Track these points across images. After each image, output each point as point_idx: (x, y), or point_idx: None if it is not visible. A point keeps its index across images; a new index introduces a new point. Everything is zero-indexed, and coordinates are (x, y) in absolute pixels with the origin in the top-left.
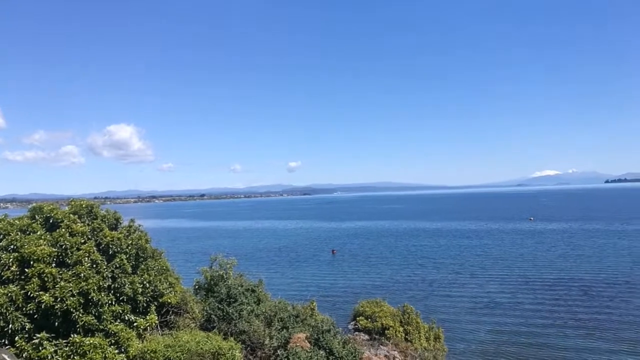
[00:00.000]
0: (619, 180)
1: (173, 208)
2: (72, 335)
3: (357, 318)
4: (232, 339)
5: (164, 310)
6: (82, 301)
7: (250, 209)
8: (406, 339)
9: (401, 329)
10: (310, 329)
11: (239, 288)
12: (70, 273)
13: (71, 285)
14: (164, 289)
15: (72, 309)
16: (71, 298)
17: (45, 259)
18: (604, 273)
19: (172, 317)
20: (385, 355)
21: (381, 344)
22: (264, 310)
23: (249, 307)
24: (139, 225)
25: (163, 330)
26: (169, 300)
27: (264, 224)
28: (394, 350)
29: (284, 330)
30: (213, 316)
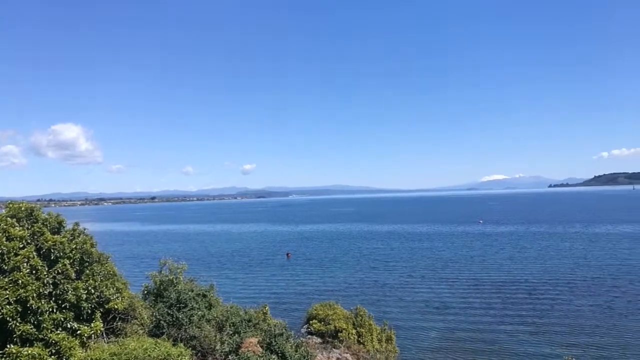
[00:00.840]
0: (561, 185)
1: (122, 211)
2: (8, 346)
3: (311, 321)
4: (181, 345)
5: (111, 316)
6: (19, 309)
7: (202, 212)
8: (359, 341)
9: (354, 331)
10: (263, 334)
11: (190, 293)
12: (6, 280)
13: (8, 292)
14: (110, 295)
15: (8, 318)
16: (7, 306)
17: None
18: (548, 274)
19: (119, 323)
20: (338, 358)
21: (334, 347)
22: (215, 315)
23: (199, 312)
24: (84, 229)
25: (109, 338)
26: (116, 306)
27: (216, 227)
28: (347, 353)
29: (236, 335)
30: (162, 322)
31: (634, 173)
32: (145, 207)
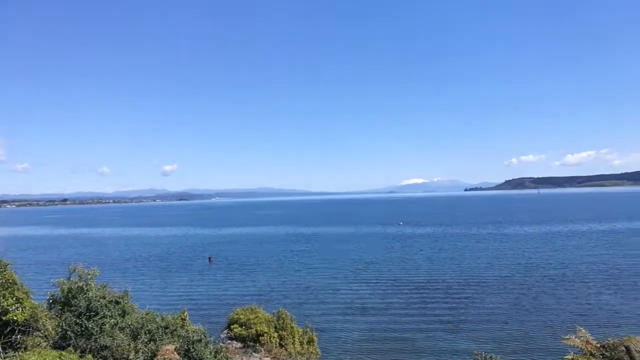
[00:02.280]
0: (476, 189)
1: (29, 214)
2: None
3: (232, 326)
4: (90, 356)
5: (9, 329)
6: None
7: (118, 215)
8: (280, 345)
9: (276, 334)
10: (181, 340)
11: (101, 300)
12: None
13: None
14: (8, 306)
15: None
16: None
17: None
18: (464, 274)
19: (18, 336)
20: None
21: (254, 351)
22: (129, 323)
23: (112, 320)
24: None
25: (6, 353)
26: (15, 318)
27: (133, 231)
28: (267, 357)
29: (152, 343)
30: (69, 332)
31: (538, 178)
32: (56, 210)
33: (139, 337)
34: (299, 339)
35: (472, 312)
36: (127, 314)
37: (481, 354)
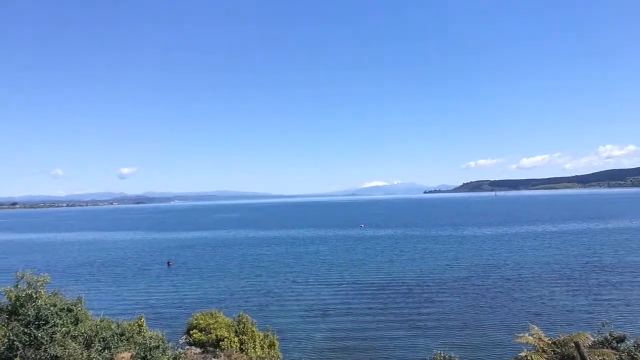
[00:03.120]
0: (435, 191)
1: None
2: None
3: (191, 331)
4: None
5: None
6: None
7: (72, 219)
8: (241, 349)
9: (236, 339)
10: (137, 347)
11: (52, 308)
12: None
13: None
14: None
15: None
16: None
17: None
18: (424, 275)
19: None
20: None
21: (214, 357)
22: (83, 331)
23: (64, 328)
24: None
25: None
26: None
27: (87, 235)
28: None
29: (106, 351)
30: (17, 342)
31: (495, 181)
32: (3, 215)
33: (92, 345)
34: (259, 343)
35: (432, 312)
36: (80, 322)
37: (440, 353)
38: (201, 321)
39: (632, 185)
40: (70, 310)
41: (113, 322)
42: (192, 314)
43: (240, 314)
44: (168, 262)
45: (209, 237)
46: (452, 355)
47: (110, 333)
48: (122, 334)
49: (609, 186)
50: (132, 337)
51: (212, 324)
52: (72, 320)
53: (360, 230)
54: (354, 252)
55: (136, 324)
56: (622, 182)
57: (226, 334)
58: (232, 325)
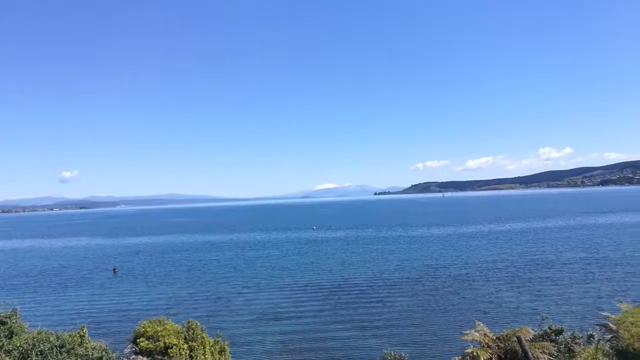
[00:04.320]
0: (385, 193)
1: None
2: None
3: (138, 340)
4: None
5: None
6: None
7: (7, 226)
8: (191, 356)
9: (185, 346)
10: (78, 359)
11: None
12: None
13: None
14: None
15: None
16: None
17: None
18: (376, 277)
19: None
20: None
21: None
22: (18, 345)
23: None
24: None
25: None
26: None
27: (23, 243)
28: None
29: None
30: None
31: (442, 182)
32: None
33: (29, 359)
34: (210, 349)
35: (383, 312)
36: (15, 335)
37: (390, 352)
38: (149, 329)
39: (568, 185)
40: (3, 323)
41: (52, 334)
42: (139, 322)
43: (190, 320)
44: (114, 269)
45: (157, 242)
46: (402, 354)
47: (48, 346)
48: (62, 346)
49: (548, 186)
50: (73, 348)
51: (161, 331)
52: (6, 333)
53: (312, 232)
54: (306, 254)
55: (78, 335)
56: (560, 183)
57: (175, 341)
58: (182, 332)
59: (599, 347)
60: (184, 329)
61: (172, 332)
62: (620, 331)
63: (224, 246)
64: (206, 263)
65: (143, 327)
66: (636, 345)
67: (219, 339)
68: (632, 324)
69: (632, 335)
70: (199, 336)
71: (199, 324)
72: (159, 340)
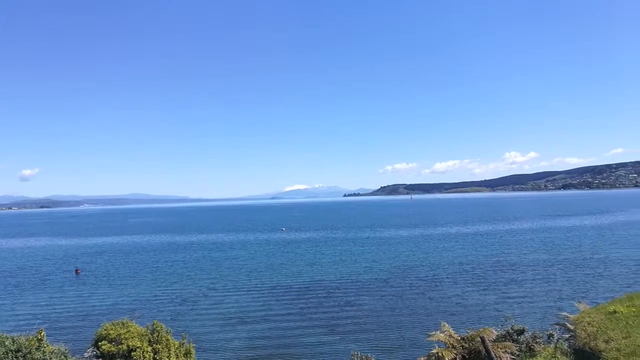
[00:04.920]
0: (354, 194)
1: None
2: None
3: (99, 343)
4: None
5: None
6: None
7: None
8: (155, 359)
9: (149, 348)
10: None
11: None
12: None
13: None
14: None
15: None
16: None
17: None
18: (344, 278)
19: None
20: None
21: None
22: None
23: None
24: None
25: None
26: None
27: None
28: None
29: None
30: None
31: (410, 184)
32: None
33: None
34: (175, 351)
35: (351, 315)
36: None
37: (357, 354)
38: (111, 331)
39: (532, 189)
40: None
41: (7, 338)
42: (101, 325)
43: (155, 322)
44: (76, 270)
45: (122, 242)
46: (369, 355)
47: (3, 350)
48: (18, 350)
49: (513, 190)
50: (29, 353)
51: (124, 333)
52: None
53: (281, 234)
54: (274, 256)
55: (35, 339)
56: (524, 186)
57: (139, 344)
58: (146, 335)
59: (557, 346)
60: (148, 331)
61: (135, 334)
62: (578, 330)
63: (191, 247)
64: (172, 264)
65: (105, 330)
66: (592, 344)
67: (184, 341)
68: (588, 324)
69: (588, 335)
70: (163, 338)
71: (164, 326)
72: (122, 343)
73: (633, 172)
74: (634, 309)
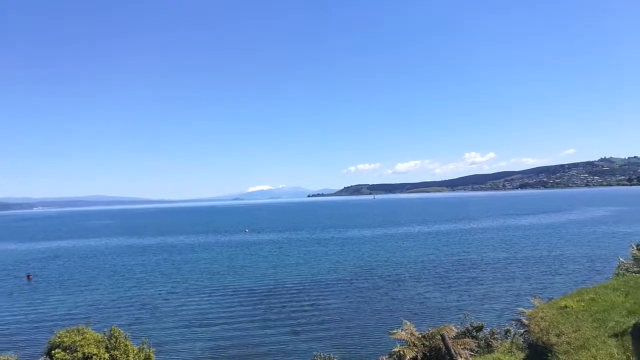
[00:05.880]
0: (318, 195)
1: None
2: None
3: (53, 351)
4: None
5: None
6: None
7: None
8: None
9: (107, 355)
10: None
11: None
12: None
13: None
14: None
15: None
16: None
17: None
18: (308, 279)
19: None
20: None
21: None
22: None
23: None
24: None
25: None
26: None
27: None
28: None
29: None
30: None
31: (373, 185)
32: None
33: None
34: (134, 357)
35: (314, 315)
36: None
37: (320, 354)
38: (65, 339)
39: (491, 188)
40: None
41: None
42: (55, 332)
43: (113, 327)
44: (28, 276)
45: (78, 246)
46: (332, 355)
47: None
48: None
49: (473, 189)
50: None
51: (79, 340)
52: None
53: (244, 235)
54: (237, 258)
55: None
56: (483, 186)
57: (95, 351)
58: (103, 341)
59: (514, 341)
60: (105, 337)
61: (92, 341)
62: (532, 326)
63: (151, 250)
64: (131, 268)
65: (59, 337)
66: (544, 338)
67: (144, 346)
68: (541, 319)
69: (541, 329)
70: (122, 344)
71: (122, 331)
72: (77, 351)
73: (584, 172)
74: (583, 304)
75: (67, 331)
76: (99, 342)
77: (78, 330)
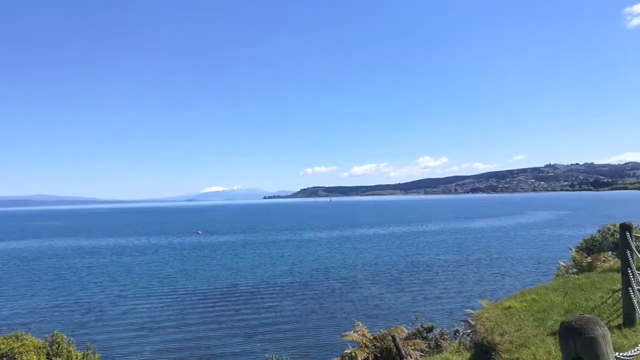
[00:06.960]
0: (274, 197)
1: None
2: None
3: None
4: None
5: None
6: None
7: None
8: None
9: None
10: None
11: None
12: None
13: None
14: None
15: None
16: None
17: None
18: (262, 282)
19: None
20: None
21: None
22: None
23: None
24: None
25: None
26: None
27: None
28: None
29: None
30: None
31: (330, 187)
32: None
33: None
34: None
35: (267, 318)
36: None
37: (272, 356)
38: (2, 346)
39: (443, 192)
40: None
41: None
42: None
43: (55, 333)
44: None
45: (18, 248)
46: (283, 357)
47: None
48: None
49: (425, 193)
50: None
51: (17, 347)
52: None
53: (197, 237)
54: (189, 261)
55: None
56: (435, 190)
57: (35, 358)
58: (44, 347)
59: (461, 341)
60: (47, 343)
61: (32, 347)
62: (478, 326)
63: (98, 252)
64: (76, 271)
65: None
66: (489, 338)
67: (88, 352)
68: (487, 319)
69: (486, 329)
70: (64, 350)
71: (65, 337)
72: (15, 358)
73: (531, 177)
74: (525, 304)
75: (4, 338)
76: (40, 348)
77: (16, 337)
